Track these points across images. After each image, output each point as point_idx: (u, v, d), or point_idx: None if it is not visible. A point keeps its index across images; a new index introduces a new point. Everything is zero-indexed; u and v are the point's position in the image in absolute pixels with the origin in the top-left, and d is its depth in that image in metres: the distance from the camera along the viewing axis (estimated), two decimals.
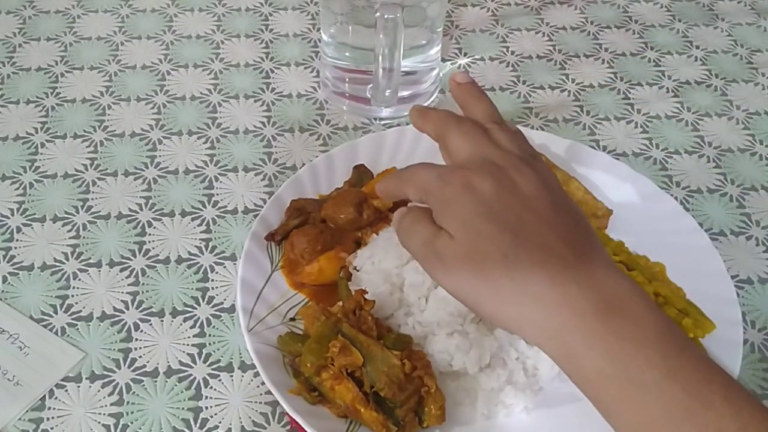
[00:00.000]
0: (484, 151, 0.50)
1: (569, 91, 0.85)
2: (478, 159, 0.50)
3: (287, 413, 0.56)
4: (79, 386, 0.60)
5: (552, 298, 0.44)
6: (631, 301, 0.45)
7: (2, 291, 0.66)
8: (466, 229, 0.47)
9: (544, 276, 0.45)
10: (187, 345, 0.63)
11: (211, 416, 0.59)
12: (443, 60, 0.86)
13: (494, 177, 0.48)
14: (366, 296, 0.58)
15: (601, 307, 0.44)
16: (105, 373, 0.61)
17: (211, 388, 0.61)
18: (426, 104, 0.81)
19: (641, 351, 0.43)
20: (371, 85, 0.76)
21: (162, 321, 0.64)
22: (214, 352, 0.63)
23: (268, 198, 0.69)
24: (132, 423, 0.58)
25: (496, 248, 0.46)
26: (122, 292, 0.66)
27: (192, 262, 0.68)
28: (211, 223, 0.71)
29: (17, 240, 0.69)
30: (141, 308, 0.65)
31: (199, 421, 0.59)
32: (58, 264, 0.68)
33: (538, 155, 0.53)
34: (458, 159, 0.51)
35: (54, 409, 0.59)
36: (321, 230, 0.65)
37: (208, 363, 0.62)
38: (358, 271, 0.63)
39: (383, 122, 0.80)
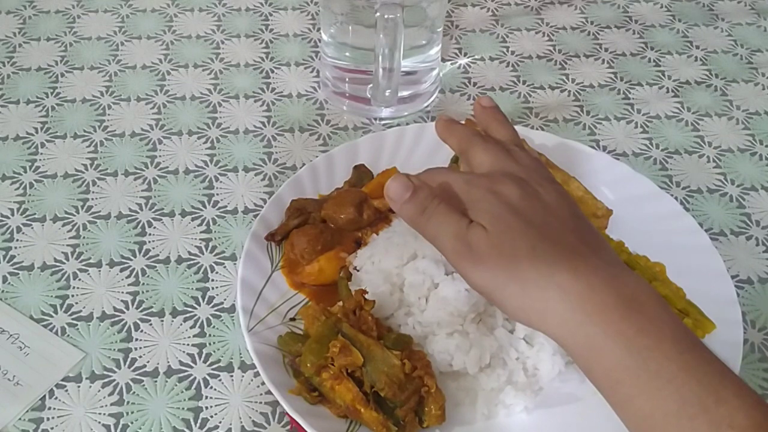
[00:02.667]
0: (506, 165, 0.53)
1: (569, 91, 0.85)
2: (500, 171, 0.53)
3: (287, 413, 0.56)
4: (79, 386, 0.60)
5: (576, 291, 0.46)
6: (647, 298, 0.46)
7: (2, 291, 0.66)
8: (498, 222, 0.48)
9: (569, 268, 0.46)
10: (187, 345, 0.63)
11: (211, 416, 0.59)
12: (443, 60, 0.86)
13: (518, 185, 0.51)
14: (366, 296, 0.58)
15: (621, 302, 0.45)
16: (105, 373, 0.61)
17: (211, 388, 0.61)
18: (426, 104, 0.82)
19: (659, 345, 0.44)
20: (371, 85, 0.76)
21: (162, 321, 0.64)
22: (214, 352, 0.63)
23: (268, 198, 0.69)
24: (132, 423, 0.58)
25: (525, 241, 0.48)
26: (122, 292, 0.66)
27: (192, 262, 0.68)
28: (211, 223, 0.71)
29: (17, 240, 0.69)
30: (141, 308, 0.65)
31: (199, 421, 0.59)
32: (58, 264, 0.68)
33: (555, 179, 0.55)
34: (481, 171, 0.54)
35: (54, 409, 0.59)
36: (321, 230, 0.65)
37: (208, 363, 0.62)
38: (358, 271, 0.63)
39: (383, 122, 0.80)
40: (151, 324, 0.64)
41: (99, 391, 0.60)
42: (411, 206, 0.51)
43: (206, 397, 0.60)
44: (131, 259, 0.68)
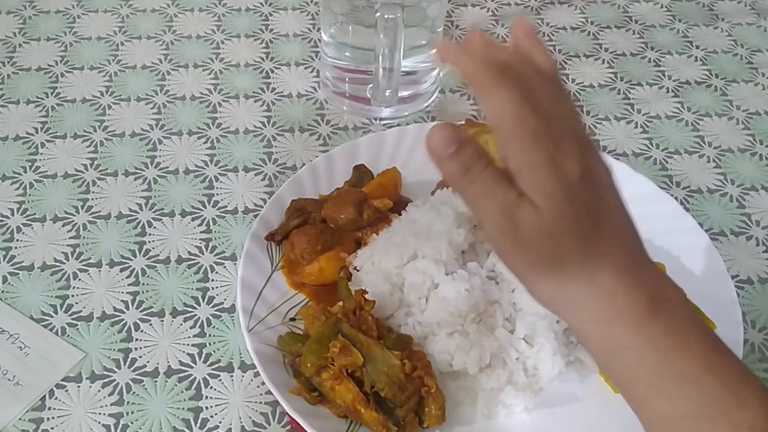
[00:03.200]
0: (565, 121, 0.45)
1: (569, 91, 0.85)
2: (561, 128, 0.44)
3: (287, 413, 0.56)
4: (79, 386, 0.60)
5: (613, 289, 0.45)
6: (675, 297, 0.46)
7: (2, 291, 0.66)
8: (554, 206, 0.43)
9: (611, 266, 0.45)
10: (187, 345, 0.63)
11: (212, 416, 0.59)
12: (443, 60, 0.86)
13: (581, 157, 0.44)
14: (366, 296, 0.58)
15: (651, 301, 0.44)
16: (105, 373, 0.61)
17: (211, 388, 0.61)
18: (426, 104, 0.81)
19: (685, 345, 0.43)
20: (371, 85, 0.76)
21: (162, 321, 0.64)
22: (214, 352, 0.63)
23: (268, 198, 0.69)
24: (132, 423, 0.58)
25: (577, 234, 0.44)
26: (122, 292, 0.66)
27: (192, 262, 0.68)
28: (211, 223, 0.71)
29: (17, 240, 0.69)
30: (141, 308, 0.65)
31: (199, 421, 0.59)
32: (58, 264, 0.68)
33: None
34: (525, 118, 0.44)
35: (54, 409, 0.59)
36: (321, 230, 0.65)
37: (208, 363, 0.62)
38: (358, 271, 0.63)
39: (383, 122, 0.80)
40: (151, 324, 0.64)
41: (99, 391, 0.60)
42: (453, 164, 0.45)
43: (206, 397, 0.60)
44: (131, 259, 0.68)
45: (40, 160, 0.76)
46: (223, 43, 0.89)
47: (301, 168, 0.72)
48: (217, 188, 0.74)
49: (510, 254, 0.45)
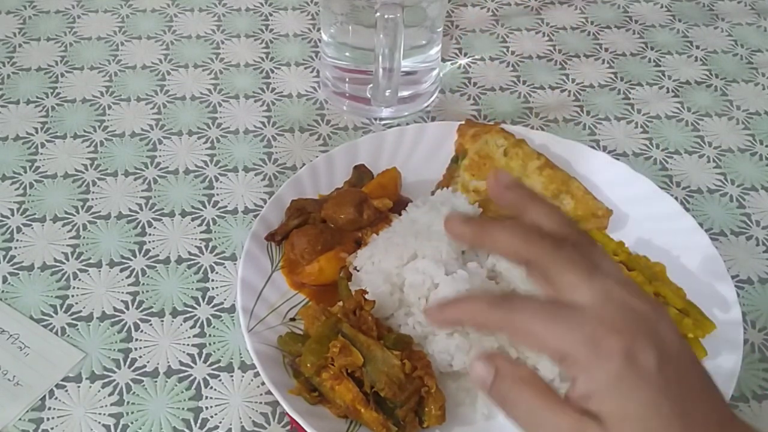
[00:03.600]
0: (611, 291, 0.40)
1: (569, 91, 0.85)
2: (614, 307, 0.40)
3: (287, 413, 0.56)
4: (79, 386, 0.60)
5: None
6: None
7: (2, 291, 0.66)
8: (630, 426, 0.38)
9: None
10: (187, 345, 0.63)
11: (211, 416, 0.59)
12: (443, 60, 0.86)
13: (652, 342, 0.39)
14: (366, 296, 0.58)
15: None
16: (105, 373, 0.61)
17: (211, 388, 0.61)
18: (426, 104, 0.81)
19: None
20: (371, 85, 0.76)
21: (162, 321, 0.64)
22: (214, 352, 0.63)
23: (268, 198, 0.69)
24: (132, 423, 0.58)
25: None
26: (122, 292, 0.66)
27: (192, 262, 0.68)
28: (211, 223, 0.71)
29: (17, 240, 0.69)
30: (141, 308, 0.65)
31: (199, 421, 0.59)
32: (58, 264, 0.68)
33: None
34: (578, 297, 0.40)
35: (54, 409, 0.59)
36: (321, 230, 0.65)
37: (208, 363, 0.62)
38: (358, 271, 0.63)
39: (383, 122, 0.80)
40: (151, 324, 0.64)
41: (99, 391, 0.60)
42: (493, 396, 0.41)
43: (206, 398, 0.60)
44: (131, 259, 0.68)
45: (40, 160, 0.76)
46: (223, 43, 0.89)
47: (301, 168, 0.72)
48: (217, 188, 0.74)
49: None
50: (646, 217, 0.69)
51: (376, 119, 0.81)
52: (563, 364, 0.40)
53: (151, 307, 0.65)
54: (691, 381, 0.40)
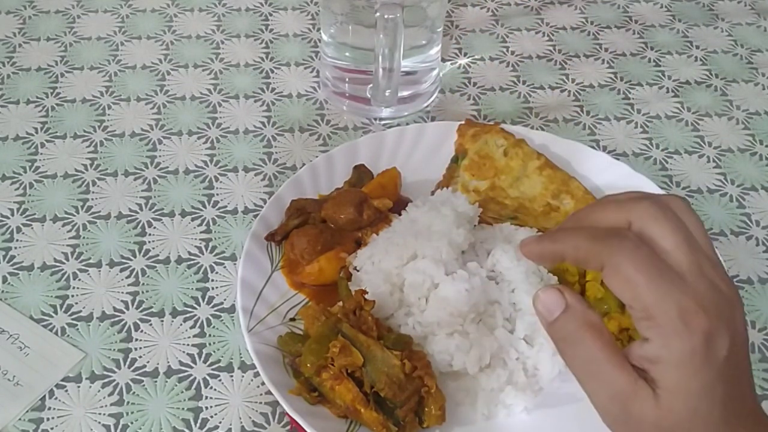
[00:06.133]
0: (703, 266, 0.40)
1: (569, 91, 0.85)
2: (705, 283, 0.40)
3: (287, 413, 0.56)
4: (79, 386, 0.60)
5: None
6: None
7: (2, 291, 0.66)
8: (683, 401, 0.39)
9: None
10: (187, 345, 0.63)
11: (211, 416, 0.59)
12: (443, 60, 0.86)
13: (729, 328, 0.40)
14: (366, 296, 0.58)
15: None
16: (105, 373, 0.61)
17: (211, 388, 0.61)
18: (426, 104, 0.81)
19: None
20: (371, 85, 0.76)
21: (162, 321, 0.64)
22: (214, 352, 0.63)
23: (268, 198, 0.69)
24: (132, 423, 0.58)
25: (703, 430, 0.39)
26: (122, 292, 0.66)
27: (192, 262, 0.68)
28: (211, 223, 0.71)
29: (17, 240, 0.69)
30: (141, 308, 0.65)
31: (199, 421, 0.59)
32: (58, 264, 0.68)
33: None
34: (674, 261, 0.40)
35: (54, 409, 0.59)
36: (321, 230, 0.65)
37: (208, 363, 0.62)
38: (358, 271, 0.63)
39: (383, 122, 0.80)
40: (151, 324, 0.64)
41: (99, 391, 0.60)
42: (554, 332, 0.41)
43: (206, 398, 0.60)
44: (131, 259, 0.68)
45: (40, 160, 0.76)
46: (223, 43, 0.89)
47: (301, 168, 0.72)
48: (217, 188, 0.74)
49: None
50: None
51: (376, 119, 0.81)
52: (645, 322, 0.39)
53: (151, 307, 0.65)
54: (743, 373, 0.41)
